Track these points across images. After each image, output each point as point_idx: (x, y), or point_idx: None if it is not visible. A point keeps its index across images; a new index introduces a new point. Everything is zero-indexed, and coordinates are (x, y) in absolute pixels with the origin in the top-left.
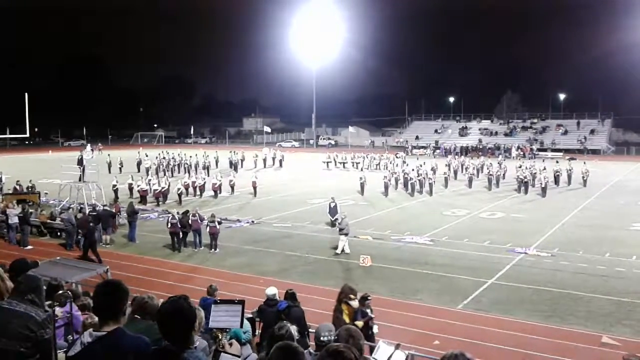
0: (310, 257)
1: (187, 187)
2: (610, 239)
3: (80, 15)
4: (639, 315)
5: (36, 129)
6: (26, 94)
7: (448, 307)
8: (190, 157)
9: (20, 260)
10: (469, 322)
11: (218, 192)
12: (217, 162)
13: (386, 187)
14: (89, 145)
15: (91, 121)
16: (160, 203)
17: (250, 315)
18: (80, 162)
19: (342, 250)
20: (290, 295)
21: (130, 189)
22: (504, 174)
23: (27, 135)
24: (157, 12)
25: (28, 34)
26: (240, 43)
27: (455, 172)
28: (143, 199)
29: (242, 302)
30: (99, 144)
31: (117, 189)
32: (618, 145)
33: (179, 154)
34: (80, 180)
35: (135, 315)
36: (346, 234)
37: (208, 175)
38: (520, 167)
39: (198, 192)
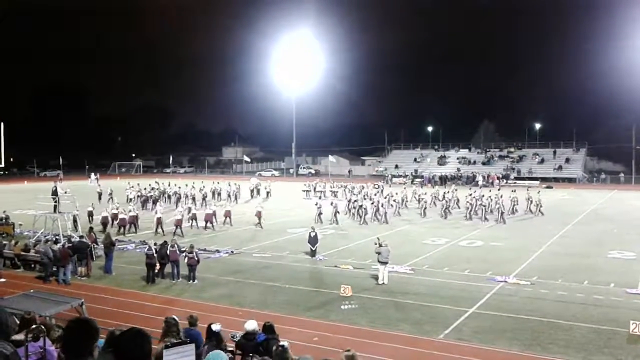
0: (289, 288)
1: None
2: (588, 266)
3: (58, 43)
4: (618, 343)
5: (11, 159)
6: (1, 124)
7: (429, 337)
8: (179, 187)
9: None
10: (450, 352)
11: (194, 221)
12: (204, 195)
13: (360, 215)
14: (92, 174)
15: (68, 151)
16: (137, 230)
17: (231, 348)
18: (55, 192)
19: (382, 280)
20: (268, 328)
21: (104, 223)
22: (480, 203)
23: (2, 165)
24: (135, 41)
25: (2, 62)
26: (220, 72)
27: (434, 201)
28: (121, 228)
29: (192, 342)
30: (97, 174)
31: (91, 212)
32: (592, 174)
33: (168, 184)
34: (55, 211)
35: (108, 349)
36: (383, 263)
37: (196, 206)
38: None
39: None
